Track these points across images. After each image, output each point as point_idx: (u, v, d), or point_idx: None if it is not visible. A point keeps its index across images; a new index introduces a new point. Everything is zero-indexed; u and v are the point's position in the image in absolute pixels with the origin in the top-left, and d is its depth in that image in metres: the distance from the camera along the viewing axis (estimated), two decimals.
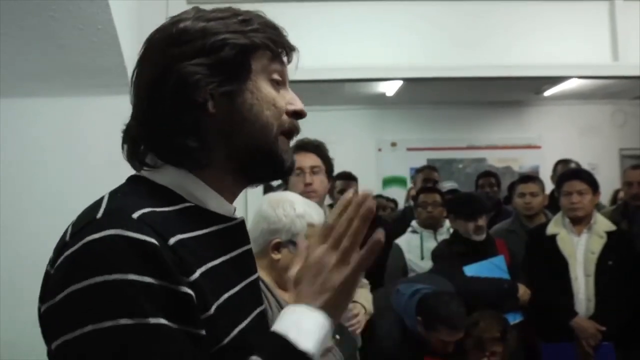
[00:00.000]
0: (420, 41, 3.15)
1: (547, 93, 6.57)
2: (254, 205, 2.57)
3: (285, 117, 0.89)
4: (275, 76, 0.89)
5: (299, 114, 0.91)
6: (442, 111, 6.86)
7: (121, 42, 2.37)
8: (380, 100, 6.62)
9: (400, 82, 5.58)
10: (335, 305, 0.80)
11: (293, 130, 0.91)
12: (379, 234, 0.77)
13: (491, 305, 2.90)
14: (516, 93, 6.56)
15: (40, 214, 2.62)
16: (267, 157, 0.88)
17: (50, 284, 0.75)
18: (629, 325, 2.92)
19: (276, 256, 1.68)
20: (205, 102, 0.83)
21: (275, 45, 0.89)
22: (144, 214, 0.76)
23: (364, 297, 2.44)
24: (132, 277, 0.70)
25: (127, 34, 2.45)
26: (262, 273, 1.46)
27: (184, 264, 0.76)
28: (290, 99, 0.91)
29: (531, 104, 7.12)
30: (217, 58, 0.84)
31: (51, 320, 0.74)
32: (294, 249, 1.64)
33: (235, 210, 0.94)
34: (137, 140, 0.87)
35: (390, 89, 6.11)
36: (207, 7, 0.91)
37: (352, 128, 6.87)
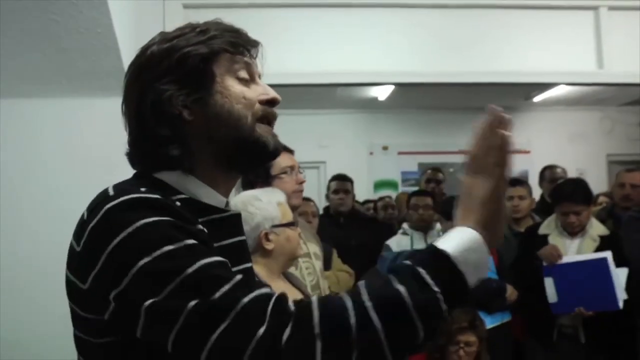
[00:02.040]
0: (412, 47, 3.20)
1: (536, 99, 6.65)
2: None
3: (258, 106, 0.97)
4: (242, 74, 0.97)
5: (272, 102, 0.99)
6: (434, 116, 6.91)
7: (120, 45, 2.41)
8: (372, 105, 6.68)
9: (392, 87, 5.63)
10: (485, 225, 0.89)
11: (268, 116, 0.99)
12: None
13: (479, 304, 2.98)
14: (506, 98, 6.60)
15: (40, 214, 2.66)
16: (248, 145, 0.96)
17: (84, 256, 0.85)
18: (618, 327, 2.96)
19: (269, 245, 1.79)
20: (181, 112, 0.93)
21: (234, 46, 0.97)
22: (148, 189, 0.87)
23: (344, 283, 2.62)
24: (156, 218, 0.81)
25: (126, 38, 2.49)
26: (256, 267, 1.54)
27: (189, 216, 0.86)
28: (262, 90, 0.99)
29: (521, 110, 7.18)
30: (182, 71, 0.93)
31: (103, 281, 0.82)
32: (279, 231, 1.80)
33: (227, 203, 1.02)
34: (132, 158, 0.98)
35: (382, 93, 6.16)
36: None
37: (345, 132, 6.92)
